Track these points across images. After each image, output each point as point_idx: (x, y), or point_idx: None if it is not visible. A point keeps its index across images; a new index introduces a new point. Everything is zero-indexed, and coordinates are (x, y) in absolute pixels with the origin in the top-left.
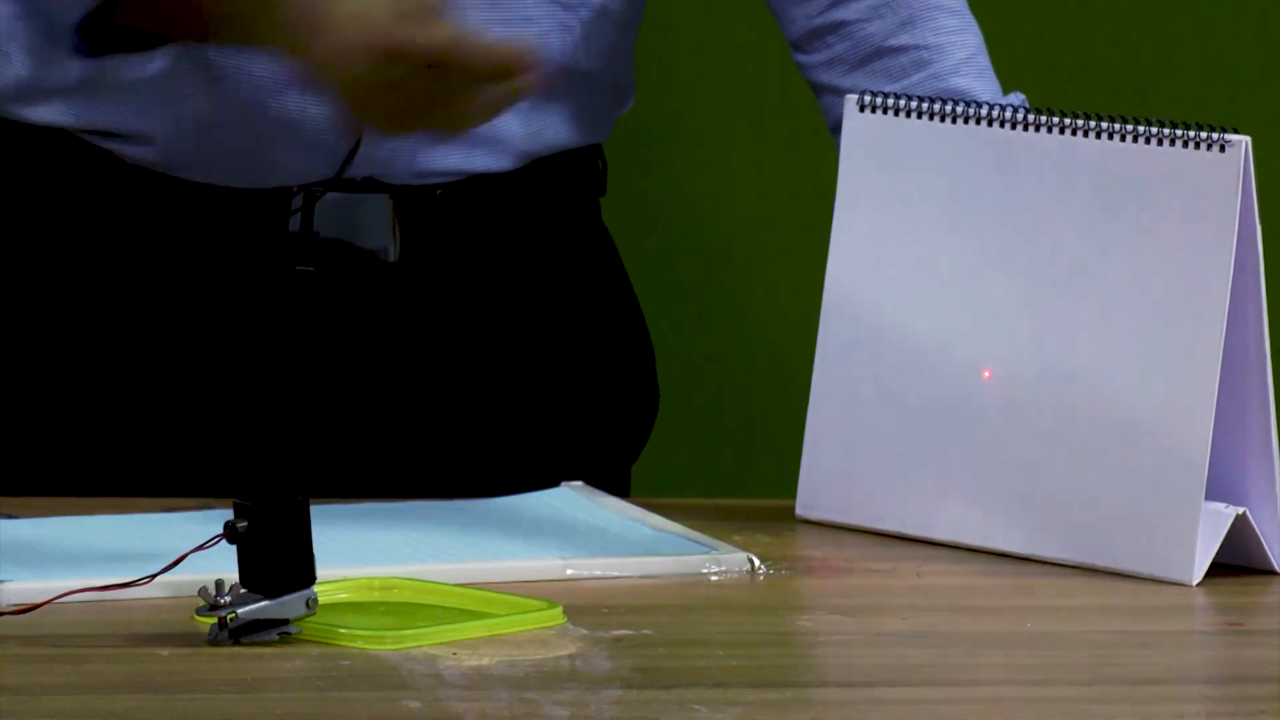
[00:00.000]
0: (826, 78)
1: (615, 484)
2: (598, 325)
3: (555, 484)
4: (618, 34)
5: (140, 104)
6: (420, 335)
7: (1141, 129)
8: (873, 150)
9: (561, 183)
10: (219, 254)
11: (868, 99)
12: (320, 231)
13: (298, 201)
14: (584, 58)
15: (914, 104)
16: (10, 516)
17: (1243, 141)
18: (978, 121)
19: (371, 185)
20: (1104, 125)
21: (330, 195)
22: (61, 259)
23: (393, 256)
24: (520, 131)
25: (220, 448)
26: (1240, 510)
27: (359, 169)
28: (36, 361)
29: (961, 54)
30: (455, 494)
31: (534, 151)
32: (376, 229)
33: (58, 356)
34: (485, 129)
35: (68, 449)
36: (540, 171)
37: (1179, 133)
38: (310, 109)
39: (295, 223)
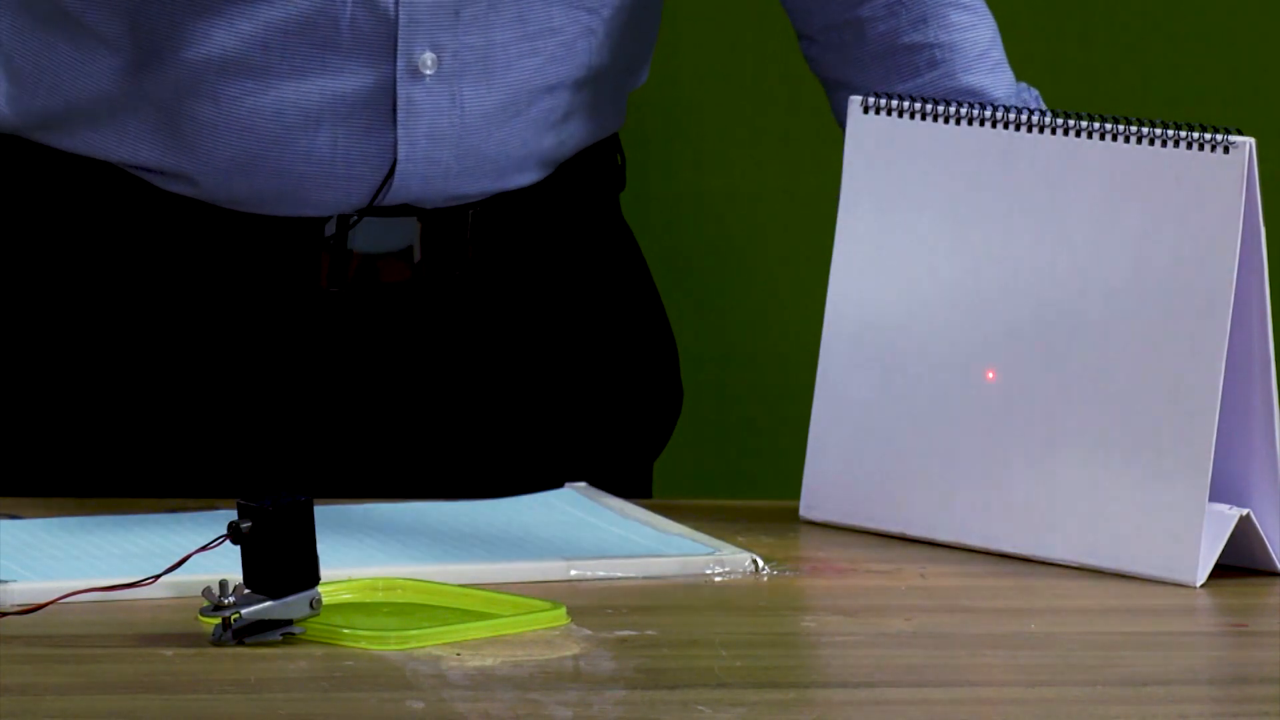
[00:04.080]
0: (839, 74)
1: (637, 481)
2: (621, 322)
3: (572, 482)
4: (637, 24)
5: (172, 144)
6: (441, 334)
7: (1145, 130)
8: (877, 151)
9: (582, 181)
10: (237, 265)
11: (872, 100)
12: (353, 250)
13: (330, 228)
14: (607, 56)
15: (918, 105)
16: (14, 517)
17: (1247, 143)
18: (982, 123)
19: (403, 209)
20: (1108, 127)
21: (365, 219)
22: (70, 263)
23: (421, 273)
24: (551, 143)
25: (225, 448)
26: (1244, 511)
27: (395, 198)
28: (42, 363)
29: (974, 51)
30: (474, 494)
31: (561, 159)
32: (408, 248)
33: (63, 358)
34: (520, 149)
35: (73, 450)
36: (561, 173)
37: (1183, 134)
38: (341, 144)
39: (328, 247)
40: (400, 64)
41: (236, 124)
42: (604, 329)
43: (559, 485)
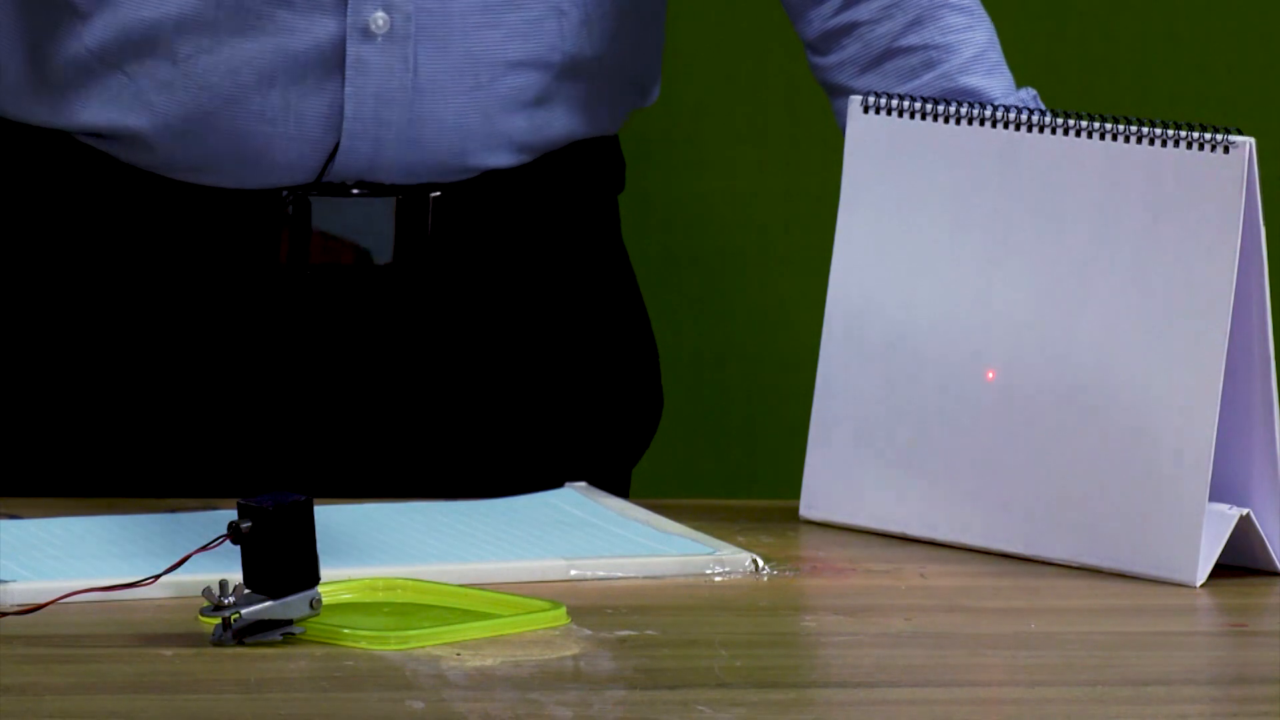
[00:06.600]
0: (839, 79)
1: (615, 486)
2: (603, 326)
3: (557, 485)
4: (626, 19)
5: (125, 104)
6: (424, 335)
7: (1145, 130)
8: (877, 151)
9: (572, 179)
10: (222, 256)
11: (871, 100)
12: (316, 232)
13: (289, 204)
14: (586, 44)
15: (918, 105)
16: (14, 517)
17: (1246, 143)
18: (981, 123)
19: (370, 191)
20: (1108, 126)
21: (327, 199)
22: (64, 260)
23: (388, 259)
24: (523, 125)
25: (224, 448)
26: (1244, 511)
27: (349, 166)
28: (40, 362)
29: (970, 52)
30: (457, 495)
31: (539, 146)
32: (373, 234)
33: (61, 357)
34: (483, 124)
35: (71, 450)
36: (551, 166)
37: (1183, 134)
38: (294, 103)
39: (290, 223)
40: (350, 21)
41: (192, 82)
42: (585, 333)
43: (538, 489)
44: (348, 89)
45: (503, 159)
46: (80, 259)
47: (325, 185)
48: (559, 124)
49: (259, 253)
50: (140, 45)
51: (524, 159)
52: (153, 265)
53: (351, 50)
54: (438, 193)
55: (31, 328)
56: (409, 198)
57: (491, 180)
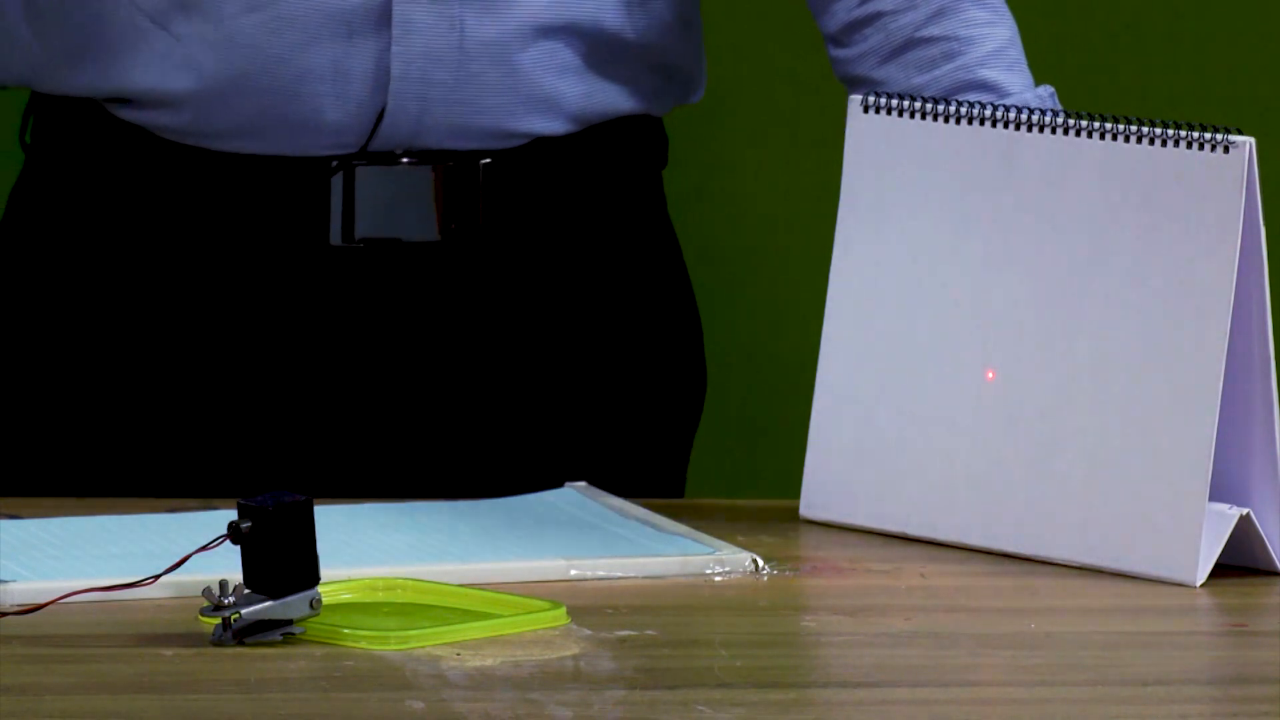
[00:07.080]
0: (860, 70)
1: (674, 460)
2: (651, 301)
3: (616, 465)
4: (666, 10)
5: (171, 66)
6: (474, 311)
7: (1145, 130)
8: (876, 151)
9: (621, 150)
10: (268, 231)
11: (871, 100)
12: (360, 210)
13: (337, 181)
14: (628, 27)
15: (918, 105)
16: (14, 517)
17: (1246, 143)
18: (982, 122)
19: (419, 159)
20: (1108, 126)
21: (376, 168)
22: (63, 257)
23: (437, 230)
24: (572, 91)
25: (225, 448)
26: (1244, 511)
27: (396, 129)
28: (41, 361)
29: (990, 46)
30: (489, 488)
31: (585, 115)
32: (423, 204)
33: (62, 356)
34: (529, 86)
35: (72, 449)
36: (599, 137)
37: (1183, 134)
38: (341, 63)
39: (336, 197)
40: None
41: (238, 42)
42: (635, 306)
43: (588, 475)
44: (394, 48)
45: (550, 125)
46: (81, 255)
47: (373, 155)
48: (603, 96)
49: (307, 227)
50: (188, 5)
51: (571, 128)
52: (155, 262)
53: (398, 9)
54: (488, 160)
55: (33, 325)
56: (459, 165)
57: (540, 148)
